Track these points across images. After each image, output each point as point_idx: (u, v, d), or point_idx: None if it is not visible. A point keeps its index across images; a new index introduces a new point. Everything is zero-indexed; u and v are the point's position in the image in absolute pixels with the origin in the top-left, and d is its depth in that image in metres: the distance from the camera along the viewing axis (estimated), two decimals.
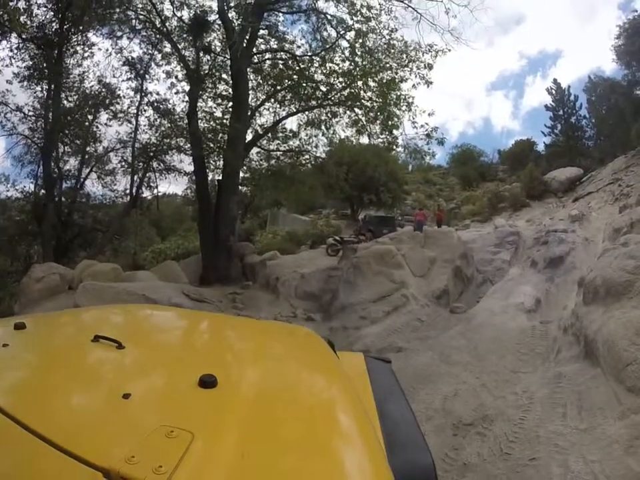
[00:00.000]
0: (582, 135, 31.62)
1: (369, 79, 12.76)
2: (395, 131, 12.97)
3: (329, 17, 13.22)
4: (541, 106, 41.45)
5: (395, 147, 13.62)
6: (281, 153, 15.77)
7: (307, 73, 13.73)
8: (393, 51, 12.79)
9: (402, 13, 15.88)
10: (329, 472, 0.84)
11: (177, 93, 14.63)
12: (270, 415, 0.99)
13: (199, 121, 13.56)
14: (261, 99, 15.12)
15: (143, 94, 15.87)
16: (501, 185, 30.65)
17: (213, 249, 13.40)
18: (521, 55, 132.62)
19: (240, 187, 19.20)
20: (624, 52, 20.07)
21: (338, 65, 13.31)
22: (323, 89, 13.80)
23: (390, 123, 12.63)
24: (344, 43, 13.26)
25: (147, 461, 0.70)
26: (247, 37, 12.94)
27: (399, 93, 12.78)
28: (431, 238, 11.55)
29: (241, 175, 16.52)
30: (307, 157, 15.70)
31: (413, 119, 12.67)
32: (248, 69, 14.16)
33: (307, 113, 14.86)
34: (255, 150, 15.42)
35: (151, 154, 15.58)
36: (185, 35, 13.82)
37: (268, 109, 15.40)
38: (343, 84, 13.28)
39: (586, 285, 6.20)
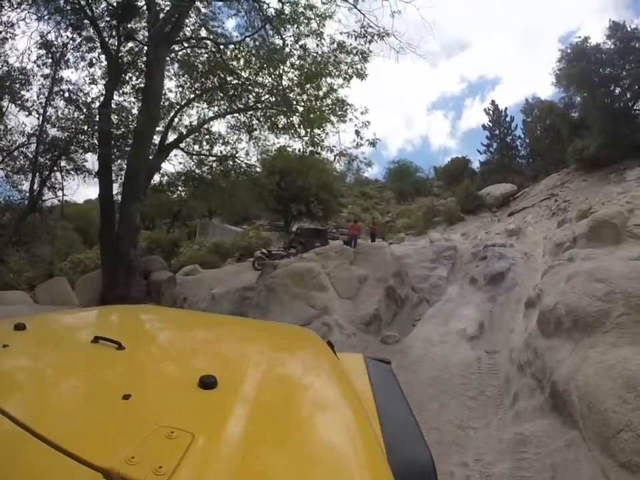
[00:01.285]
0: (516, 153, 33.10)
1: (292, 69, 11.44)
2: (320, 131, 11.57)
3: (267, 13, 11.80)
4: (478, 127, 43.74)
5: (320, 148, 12.14)
6: (205, 157, 14.19)
7: (233, 66, 12.28)
8: (322, 39, 11.47)
9: (345, 14, 14.64)
10: (329, 472, 0.81)
11: (92, 82, 12.54)
12: (270, 416, 0.96)
13: (112, 114, 11.58)
14: (188, 98, 13.62)
15: (53, 81, 13.48)
16: (435, 199, 31.14)
17: (114, 264, 11.42)
18: (462, 78, 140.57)
19: (167, 193, 17.36)
20: (564, 75, 21.07)
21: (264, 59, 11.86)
22: (257, 90, 12.56)
23: (312, 116, 11.19)
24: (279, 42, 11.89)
25: (147, 461, 0.69)
26: (171, 24, 11.28)
27: (320, 88, 11.51)
28: (361, 254, 10.20)
29: (157, 179, 14.76)
30: (232, 163, 14.22)
31: (341, 112, 11.32)
32: (175, 64, 12.89)
33: (235, 115, 13.63)
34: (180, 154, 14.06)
35: (60, 151, 13.23)
36: (109, 20, 11.93)
37: (192, 108, 14.00)
38: (267, 76, 11.88)
39: (544, 314, 5.02)
